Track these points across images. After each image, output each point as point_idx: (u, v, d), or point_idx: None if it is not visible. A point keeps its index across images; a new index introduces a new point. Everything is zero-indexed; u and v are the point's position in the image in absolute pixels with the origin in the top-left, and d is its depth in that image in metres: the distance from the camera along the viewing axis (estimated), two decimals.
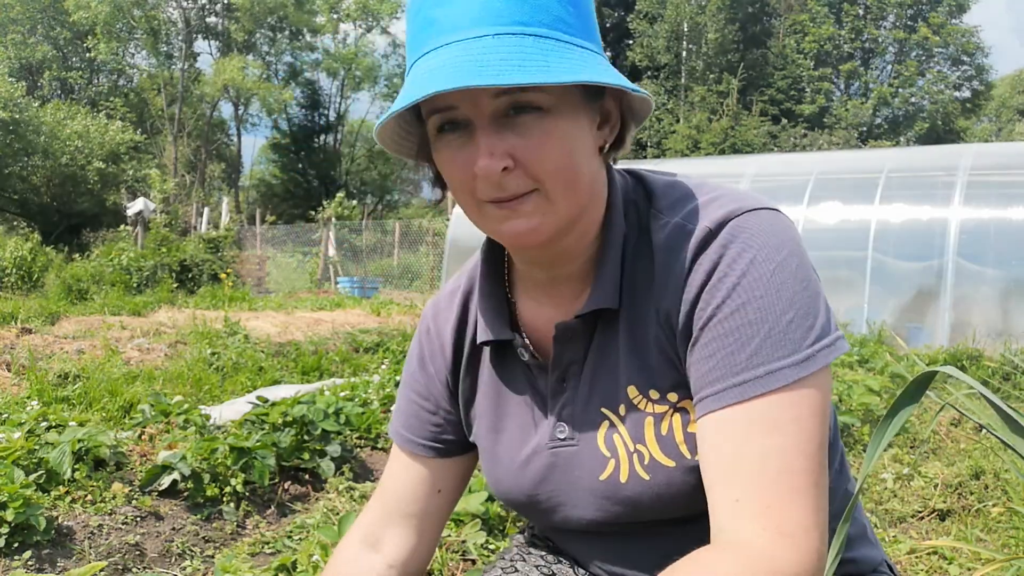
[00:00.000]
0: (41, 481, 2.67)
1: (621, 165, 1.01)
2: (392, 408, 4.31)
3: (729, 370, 0.82)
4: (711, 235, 0.85)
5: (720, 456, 0.81)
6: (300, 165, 38.06)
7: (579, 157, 0.84)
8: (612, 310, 0.91)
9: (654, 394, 0.91)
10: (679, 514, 0.92)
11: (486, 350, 1.03)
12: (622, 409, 0.92)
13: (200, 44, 40.85)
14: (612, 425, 0.93)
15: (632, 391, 0.91)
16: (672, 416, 0.90)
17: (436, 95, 0.76)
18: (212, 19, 34.63)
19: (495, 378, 1.03)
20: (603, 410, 0.93)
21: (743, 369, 0.81)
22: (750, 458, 0.79)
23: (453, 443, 1.09)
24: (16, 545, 2.37)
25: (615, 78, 0.81)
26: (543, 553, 1.11)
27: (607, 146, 0.90)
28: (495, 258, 1.01)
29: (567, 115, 0.82)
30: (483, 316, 0.99)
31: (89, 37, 31.65)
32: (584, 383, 0.95)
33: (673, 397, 0.90)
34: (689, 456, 0.89)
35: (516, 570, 1.09)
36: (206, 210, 20.92)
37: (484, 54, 0.77)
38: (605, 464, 0.93)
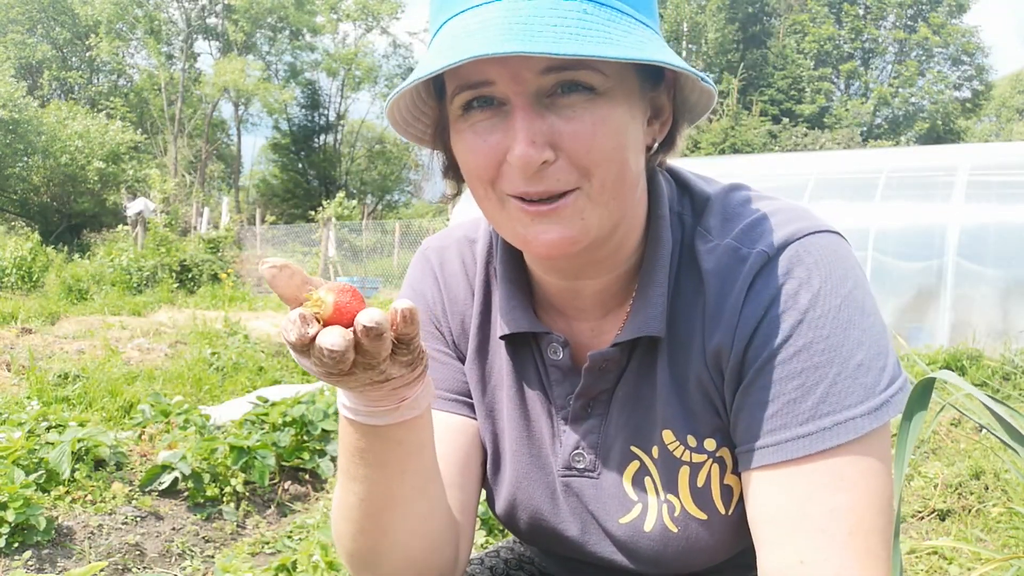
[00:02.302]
0: (41, 481, 2.67)
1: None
2: None
3: (792, 419, 0.72)
4: (769, 261, 0.75)
5: (780, 513, 0.72)
6: (300, 165, 38.06)
7: (630, 153, 0.72)
8: (655, 338, 0.80)
9: (692, 440, 0.81)
10: (694, 570, 0.85)
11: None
12: (655, 452, 0.82)
13: (200, 44, 40.86)
14: (644, 467, 0.83)
15: (668, 435, 0.81)
16: (711, 467, 0.81)
17: (472, 62, 0.63)
18: (212, 19, 34.63)
19: (515, 376, 0.89)
20: (633, 449, 0.83)
21: (808, 419, 0.71)
22: (816, 517, 0.70)
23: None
24: (16, 545, 2.37)
25: (686, 66, 0.70)
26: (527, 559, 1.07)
27: (655, 145, 0.79)
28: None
29: (621, 101, 0.70)
30: (506, 304, 0.86)
31: (91, 36, 31.65)
32: (614, 414, 0.84)
33: (711, 445, 0.80)
34: (723, 510, 0.81)
35: (498, 555, 1.07)
36: (206, 210, 20.91)
37: (535, 16, 0.64)
38: (629, 507, 0.84)
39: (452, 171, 0.82)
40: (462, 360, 0.93)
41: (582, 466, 0.86)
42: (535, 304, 0.88)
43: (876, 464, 0.71)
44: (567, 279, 0.83)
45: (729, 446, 0.80)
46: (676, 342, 0.80)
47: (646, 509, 0.83)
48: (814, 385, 0.72)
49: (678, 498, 0.82)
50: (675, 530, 0.82)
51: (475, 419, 0.93)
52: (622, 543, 0.85)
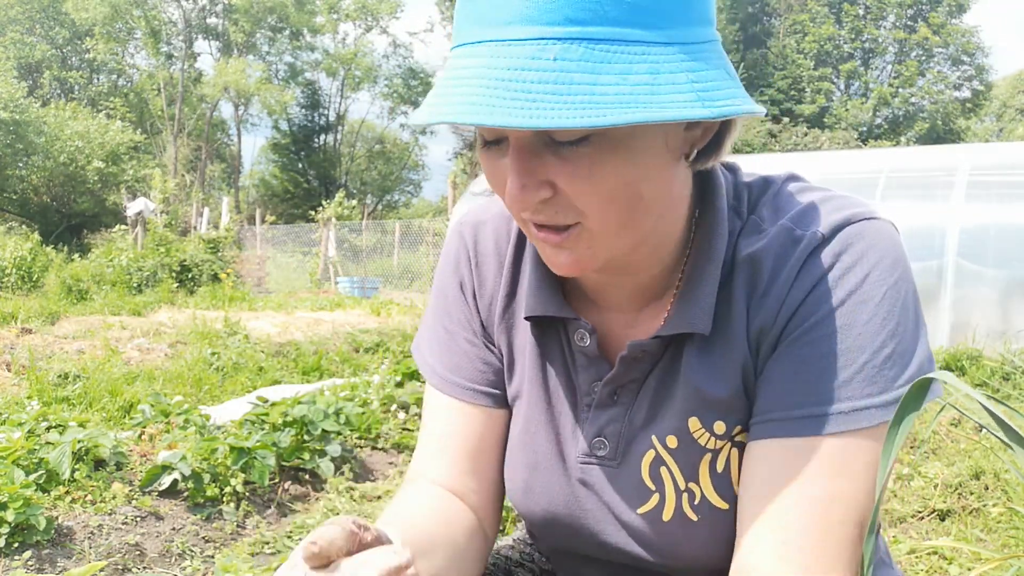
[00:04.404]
0: (41, 481, 2.67)
1: None
2: (391, 406, 4.31)
3: (809, 397, 0.72)
4: (824, 241, 0.74)
5: (775, 490, 0.72)
6: (300, 165, 38.09)
7: (642, 183, 0.68)
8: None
9: (720, 428, 0.79)
10: (713, 563, 0.82)
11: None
12: (672, 441, 0.81)
13: (200, 44, 40.85)
14: (659, 456, 0.82)
15: (694, 423, 0.80)
16: (730, 451, 0.79)
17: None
18: (212, 20, 34.64)
19: (538, 358, 0.88)
20: (654, 438, 0.82)
21: (826, 401, 0.71)
22: (810, 499, 0.70)
23: (503, 388, 0.92)
24: (16, 545, 2.37)
25: (707, 95, 0.62)
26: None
27: (694, 152, 0.73)
28: None
29: (630, 133, 0.65)
30: (535, 285, 0.84)
31: (88, 38, 31.66)
32: (642, 404, 0.83)
33: (737, 430, 0.79)
34: None
35: (500, 553, 1.06)
36: (206, 210, 20.91)
37: (516, 72, 0.59)
38: (647, 497, 0.83)
39: None
40: (490, 343, 0.92)
41: (603, 454, 0.85)
42: (566, 288, 0.86)
43: (876, 459, 0.72)
44: (600, 276, 0.82)
45: (747, 426, 0.79)
46: (722, 334, 0.78)
47: (664, 499, 0.82)
48: (841, 368, 0.72)
49: (699, 486, 0.81)
50: (694, 518, 0.81)
51: (497, 408, 0.91)
52: (639, 533, 0.84)
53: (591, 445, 0.85)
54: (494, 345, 0.92)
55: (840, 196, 0.79)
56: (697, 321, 0.77)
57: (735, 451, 0.79)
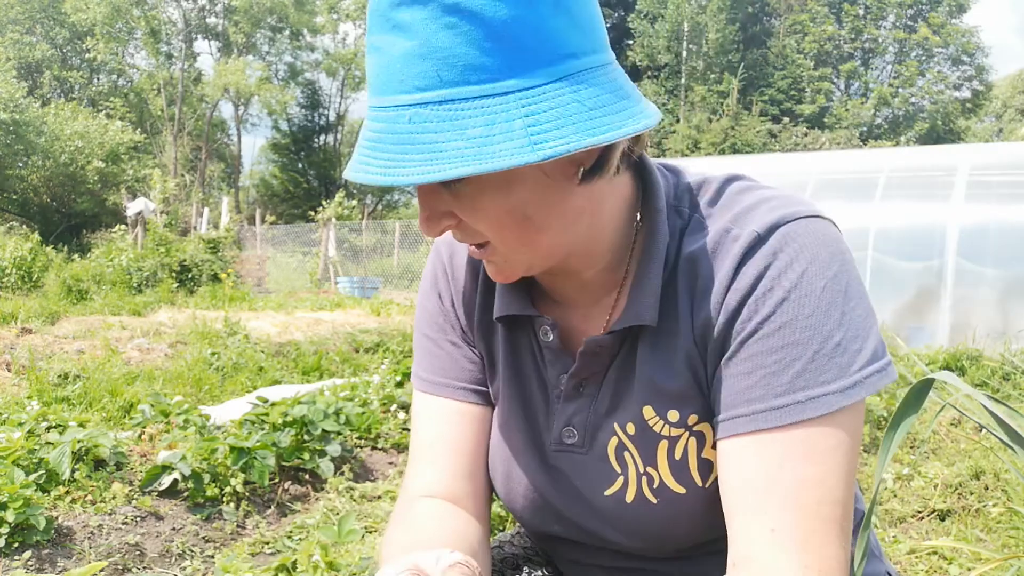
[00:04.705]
0: (41, 481, 2.67)
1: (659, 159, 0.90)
2: (391, 406, 4.31)
3: (768, 391, 0.76)
4: (759, 240, 0.78)
5: (752, 481, 0.76)
6: (300, 165, 38.08)
7: (526, 208, 0.75)
8: (647, 325, 0.84)
9: (673, 416, 0.85)
10: (676, 547, 0.88)
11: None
12: (631, 428, 0.87)
13: (200, 44, 40.87)
14: (622, 443, 0.87)
15: (648, 411, 0.85)
16: (688, 440, 0.85)
17: None
18: (212, 20, 34.64)
19: (510, 356, 0.94)
20: (615, 425, 0.88)
21: (784, 392, 0.75)
22: (787, 486, 0.74)
23: (487, 387, 0.98)
24: (16, 545, 2.37)
25: (540, 137, 0.66)
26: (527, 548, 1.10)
27: (581, 172, 0.76)
28: None
29: (507, 172, 0.72)
30: (502, 286, 0.91)
31: (88, 38, 31.66)
32: (604, 395, 0.88)
33: (692, 420, 0.84)
34: (700, 483, 0.84)
35: (500, 546, 1.08)
36: (206, 210, 20.91)
37: (382, 135, 0.70)
38: (613, 479, 0.88)
39: None
40: (473, 346, 0.98)
41: (571, 441, 0.90)
42: (533, 289, 0.93)
43: (846, 439, 0.75)
44: (546, 276, 0.89)
45: (709, 420, 0.83)
46: (669, 325, 0.84)
47: (627, 481, 0.87)
48: (793, 360, 0.75)
49: (657, 471, 0.86)
50: (654, 501, 0.86)
51: (486, 405, 0.97)
52: (607, 515, 0.89)
53: (561, 434, 0.91)
54: (476, 348, 0.98)
55: (780, 196, 0.82)
56: (644, 314, 0.82)
57: (693, 440, 0.84)
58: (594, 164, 0.76)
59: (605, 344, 0.86)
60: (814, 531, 0.73)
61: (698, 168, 0.92)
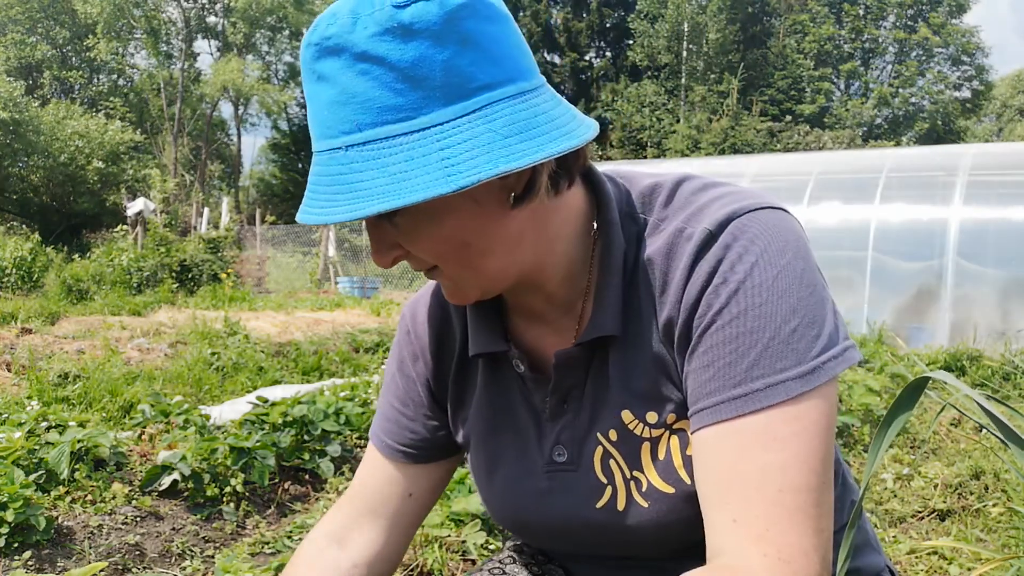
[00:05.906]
0: (41, 481, 2.67)
1: (613, 166, 0.94)
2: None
3: (726, 382, 0.76)
4: (711, 237, 0.79)
5: (716, 473, 0.76)
6: (300, 165, 38.02)
7: (463, 235, 0.77)
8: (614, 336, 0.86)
9: (652, 417, 0.86)
10: (679, 545, 0.88)
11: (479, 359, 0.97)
12: (613, 434, 0.88)
13: (200, 44, 40.88)
14: (606, 451, 0.88)
15: (627, 415, 0.86)
16: (669, 439, 0.85)
17: None
18: (212, 19, 34.64)
19: (488, 391, 0.97)
20: (598, 435, 0.89)
21: (741, 381, 0.76)
22: (748, 475, 0.74)
23: (430, 450, 1.03)
24: (16, 545, 2.37)
25: (456, 168, 0.69)
26: (533, 552, 1.09)
27: (512, 198, 0.78)
28: None
29: (431, 203, 0.73)
30: (473, 325, 0.93)
31: (90, 36, 31.65)
32: (585, 407, 0.89)
33: (671, 419, 0.85)
34: (688, 481, 0.84)
35: (504, 572, 1.07)
36: (206, 210, 20.90)
37: (317, 177, 0.75)
38: (602, 491, 0.89)
39: None
40: (433, 400, 1.02)
41: (561, 460, 0.92)
42: (507, 314, 0.95)
43: (809, 426, 0.74)
44: (510, 294, 0.91)
45: (688, 417, 0.83)
46: (635, 329, 0.85)
47: (615, 490, 0.88)
48: (747, 349, 0.76)
49: (644, 474, 0.87)
50: (645, 505, 0.86)
51: (424, 463, 1.03)
52: (602, 528, 0.90)
53: (552, 454, 0.92)
54: (440, 401, 1.02)
55: (732, 191, 0.84)
56: (607, 324, 0.84)
57: (675, 438, 0.85)
58: (524, 188, 0.77)
59: (575, 355, 0.88)
60: (776, 519, 0.72)
61: (696, 170, 0.92)
